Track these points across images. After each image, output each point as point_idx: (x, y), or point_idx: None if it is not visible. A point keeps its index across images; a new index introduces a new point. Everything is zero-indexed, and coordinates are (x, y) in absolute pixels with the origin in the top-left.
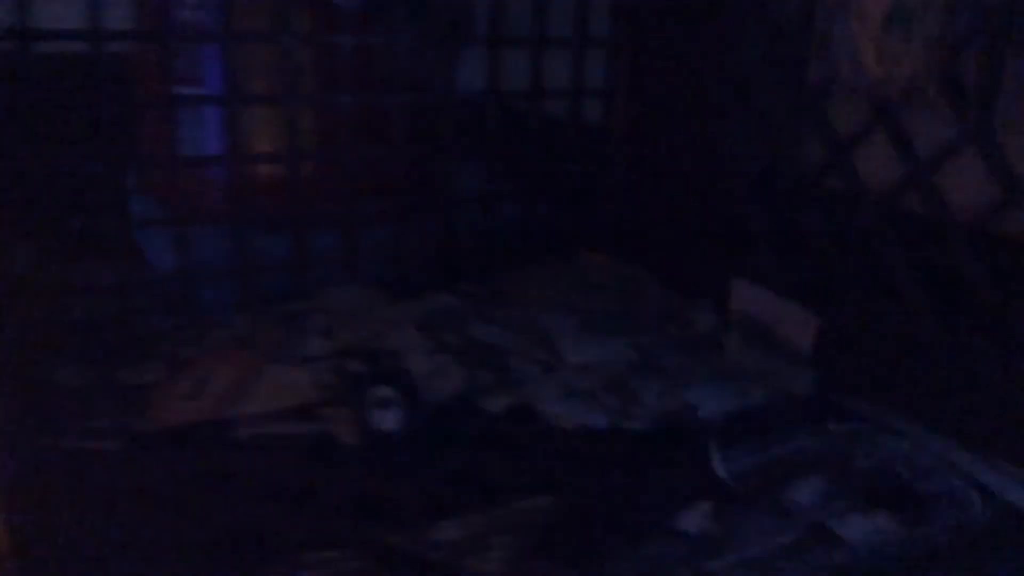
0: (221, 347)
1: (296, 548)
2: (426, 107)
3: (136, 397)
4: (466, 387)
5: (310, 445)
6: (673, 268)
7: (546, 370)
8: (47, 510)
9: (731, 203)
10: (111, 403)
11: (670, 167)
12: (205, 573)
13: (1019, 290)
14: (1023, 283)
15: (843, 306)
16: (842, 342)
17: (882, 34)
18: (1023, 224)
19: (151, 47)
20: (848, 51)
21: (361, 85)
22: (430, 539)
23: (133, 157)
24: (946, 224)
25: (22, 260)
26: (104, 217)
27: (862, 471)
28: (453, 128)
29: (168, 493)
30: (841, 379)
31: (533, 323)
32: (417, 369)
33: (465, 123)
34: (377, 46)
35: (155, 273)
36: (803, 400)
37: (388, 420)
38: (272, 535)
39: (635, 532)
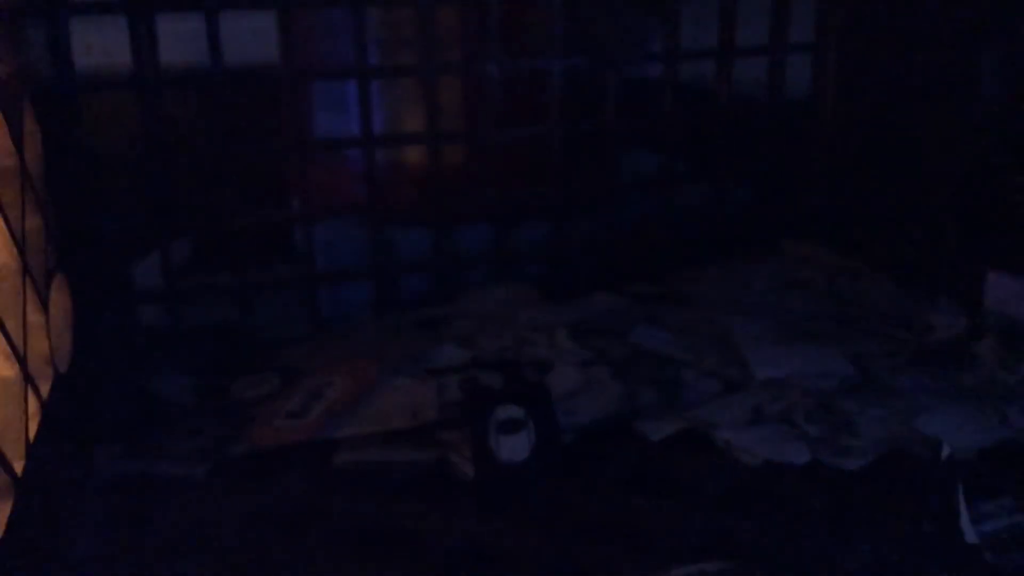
0: (344, 356)
1: None
2: (590, 76)
3: (243, 414)
4: (622, 407)
5: (420, 477)
6: (903, 259)
7: (729, 388)
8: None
9: (985, 173)
10: (214, 421)
11: (896, 135)
12: None
13: None
14: None
15: None
16: None
17: None
18: None
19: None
20: None
21: (511, 52)
22: None
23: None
24: None
25: (150, 272)
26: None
27: None
28: (620, 101)
29: (234, 536)
30: None
31: (715, 329)
32: (562, 384)
33: (635, 95)
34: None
35: (279, 273)
36: None
37: (517, 448)
38: None
39: None
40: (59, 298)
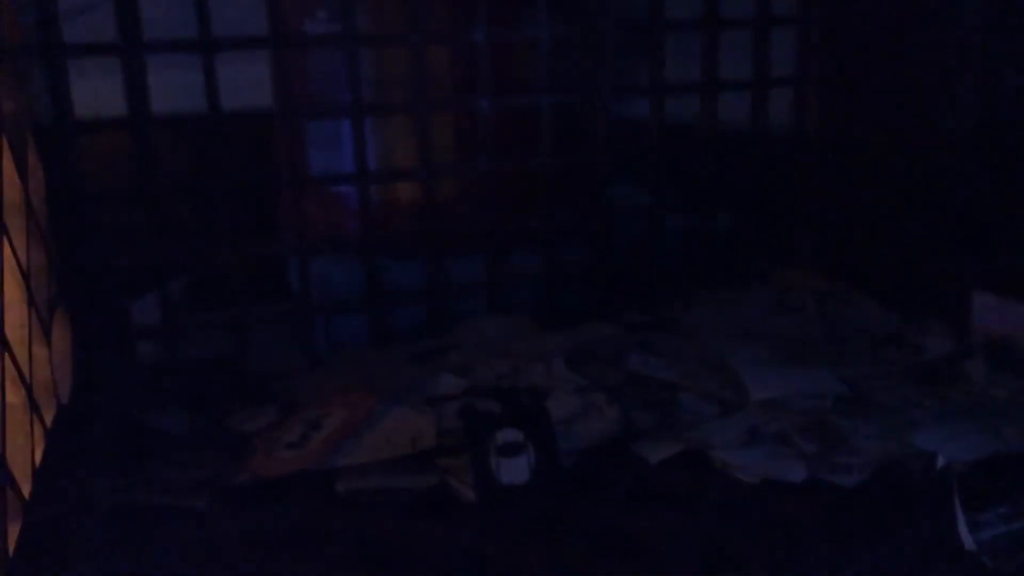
0: (340, 388)
1: None
2: (576, 111)
3: (241, 445)
4: (620, 430)
5: (421, 502)
6: (891, 282)
7: (724, 410)
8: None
9: (968, 197)
10: (213, 453)
11: (880, 162)
12: None
13: None
14: None
15: None
16: None
17: None
18: None
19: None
20: None
21: (501, 88)
22: None
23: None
24: None
25: (148, 309)
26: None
27: None
28: (608, 134)
29: (238, 561)
30: None
31: (708, 354)
32: (560, 410)
33: (622, 128)
34: (518, 44)
35: (275, 308)
36: None
37: (516, 471)
38: None
39: None
40: (60, 331)
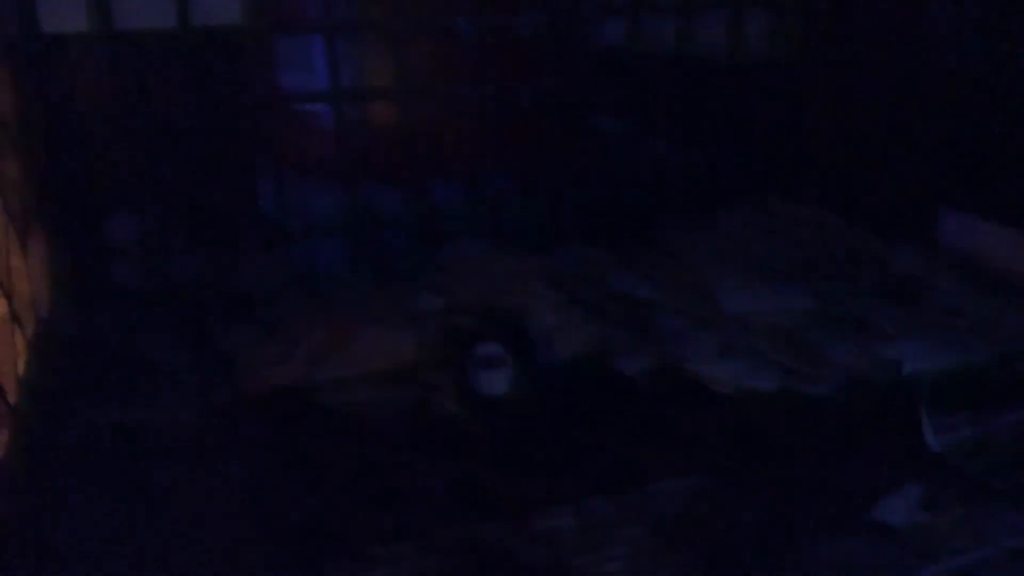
0: (322, 309)
1: (367, 542)
2: (559, 34)
3: (225, 365)
4: (598, 346)
5: (404, 414)
6: (864, 205)
7: (700, 325)
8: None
9: (936, 121)
10: (198, 372)
11: (856, 89)
12: (261, 572)
13: None
14: None
15: None
16: None
17: None
18: None
19: None
20: None
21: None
22: (533, 531)
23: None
24: None
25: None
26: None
27: None
28: (591, 59)
29: (234, 474)
30: None
31: (685, 273)
32: (539, 326)
33: (605, 56)
34: None
35: (259, 233)
36: None
37: (496, 383)
38: (343, 527)
39: (817, 526)
40: (36, 246)
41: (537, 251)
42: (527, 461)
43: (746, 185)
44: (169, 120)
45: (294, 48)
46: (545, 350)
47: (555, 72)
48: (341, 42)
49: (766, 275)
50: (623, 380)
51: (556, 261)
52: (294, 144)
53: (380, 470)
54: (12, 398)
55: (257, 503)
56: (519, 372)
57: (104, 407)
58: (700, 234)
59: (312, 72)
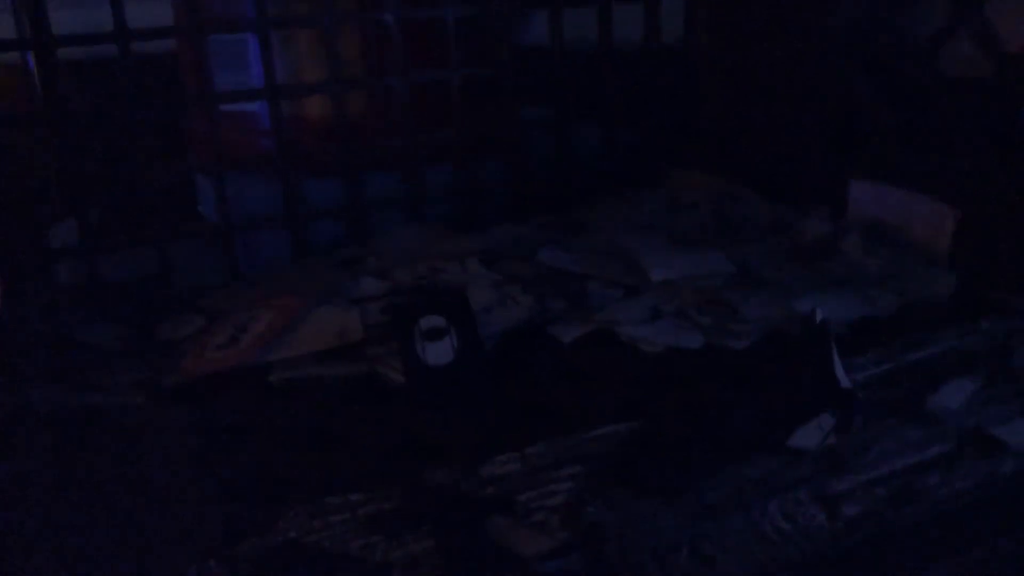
0: (266, 296)
1: (320, 490)
2: (482, 24)
3: (171, 352)
4: (534, 316)
5: (353, 386)
6: (777, 178)
7: (629, 293)
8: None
9: (841, 98)
10: (143, 359)
11: (763, 71)
12: (219, 519)
13: None
14: None
15: (987, 197)
16: (988, 235)
17: None
18: None
19: None
20: None
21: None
22: (482, 476)
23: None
24: None
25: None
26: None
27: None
28: (512, 49)
29: (188, 443)
30: (988, 276)
31: (613, 247)
32: (477, 301)
33: (528, 47)
34: None
35: (200, 226)
36: (944, 301)
37: (440, 353)
38: (297, 479)
39: (737, 453)
40: None
41: (470, 231)
42: (473, 420)
43: (664, 164)
44: (106, 124)
45: (226, 46)
46: (485, 322)
47: (480, 62)
48: (273, 41)
49: (687, 245)
50: (559, 345)
51: (489, 240)
52: (230, 141)
53: (331, 433)
54: None
55: (213, 467)
56: (462, 343)
57: (53, 393)
58: (622, 210)
59: (246, 69)
